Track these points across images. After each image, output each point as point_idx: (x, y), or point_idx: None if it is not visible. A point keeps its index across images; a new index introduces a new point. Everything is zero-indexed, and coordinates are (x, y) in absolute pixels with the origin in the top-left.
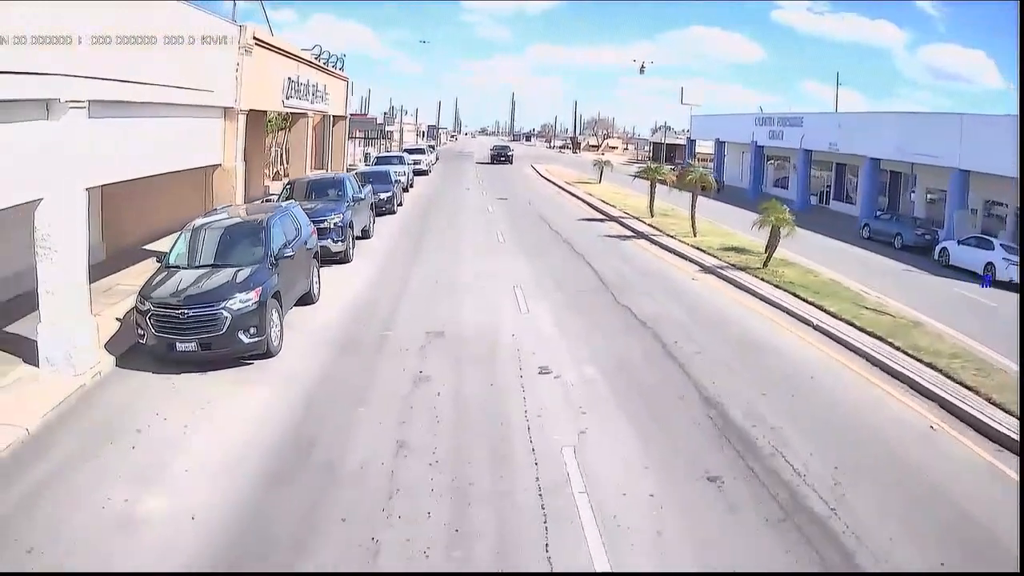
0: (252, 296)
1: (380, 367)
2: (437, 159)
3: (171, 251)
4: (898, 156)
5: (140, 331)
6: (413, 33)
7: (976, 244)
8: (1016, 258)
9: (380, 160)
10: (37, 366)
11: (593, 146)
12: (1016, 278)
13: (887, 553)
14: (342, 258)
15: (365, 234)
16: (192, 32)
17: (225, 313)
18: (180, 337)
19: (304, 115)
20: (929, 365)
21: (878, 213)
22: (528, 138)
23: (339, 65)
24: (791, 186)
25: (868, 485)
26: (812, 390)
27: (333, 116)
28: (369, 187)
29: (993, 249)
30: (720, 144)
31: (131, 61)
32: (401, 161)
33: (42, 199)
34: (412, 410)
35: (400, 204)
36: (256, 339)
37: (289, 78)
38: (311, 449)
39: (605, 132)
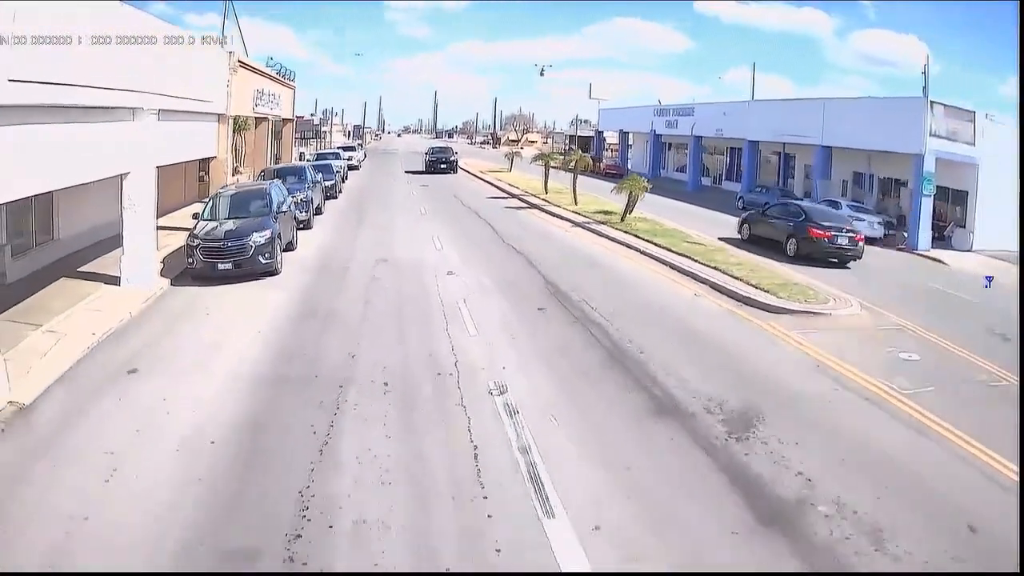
0: (266, 233)
1: (348, 277)
2: (365, 156)
3: (204, 210)
4: (773, 138)
5: (191, 259)
6: (337, 35)
7: (828, 206)
8: (868, 217)
9: (319, 156)
10: (118, 285)
11: (513, 141)
12: (866, 233)
13: (632, 336)
14: (306, 225)
15: (319, 211)
16: (202, 60)
17: (251, 243)
18: (221, 260)
19: (265, 119)
20: (714, 268)
21: (758, 188)
22: (450, 135)
23: (291, 76)
24: (688, 170)
25: (633, 313)
26: (622, 281)
27: (283, 119)
28: (321, 174)
29: (841, 209)
30: (624, 134)
31: (162, 78)
32: (337, 157)
33: (130, 172)
34: (371, 291)
35: (340, 191)
36: (269, 261)
37: (257, 89)
38: (315, 310)
39: (525, 127)
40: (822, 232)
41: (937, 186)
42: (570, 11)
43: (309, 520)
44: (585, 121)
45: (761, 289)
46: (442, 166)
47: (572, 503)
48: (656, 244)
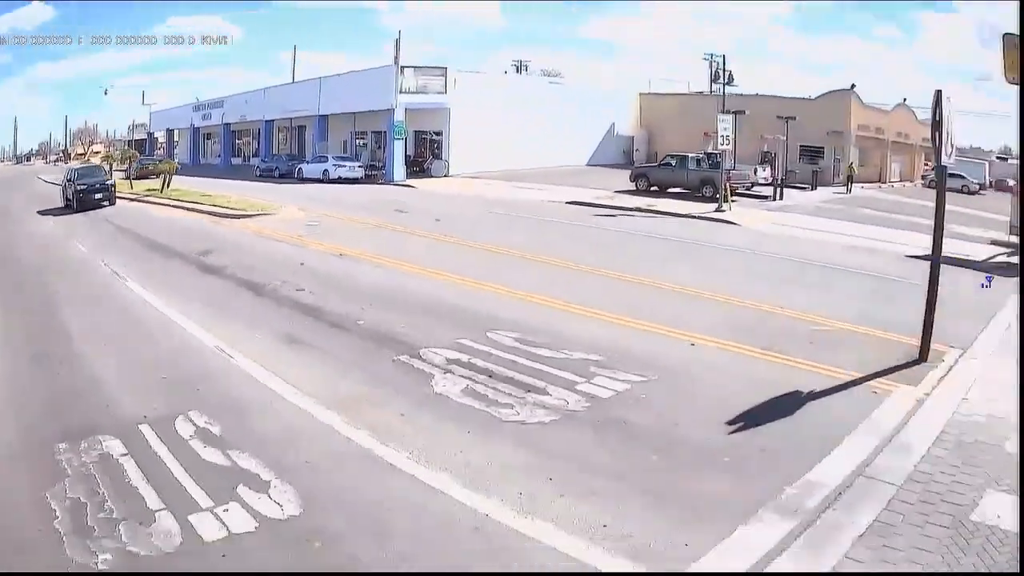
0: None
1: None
2: None
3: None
4: (283, 115)
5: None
6: None
7: (318, 160)
8: (349, 163)
9: None
10: None
11: (80, 154)
12: (343, 175)
13: (164, 239)
14: None
15: None
16: None
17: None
18: (93, 196)
19: None
20: (212, 205)
21: (273, 156)
22: (28, 158)
23: None
24: (221, 152)
25: (168, 232)
26: (159, 218)
27: None
28: None
29: (327, 161)
30: (170, 132)
31: None
32: None
33: None
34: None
35: None
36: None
37: None
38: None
39: (90, 139)
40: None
41: (417, 131)
42: (122, 18)
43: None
44: (141, 125)
45: (237, 209)
46: (97, 197)
47: (135, 279)
48: (182, 203)
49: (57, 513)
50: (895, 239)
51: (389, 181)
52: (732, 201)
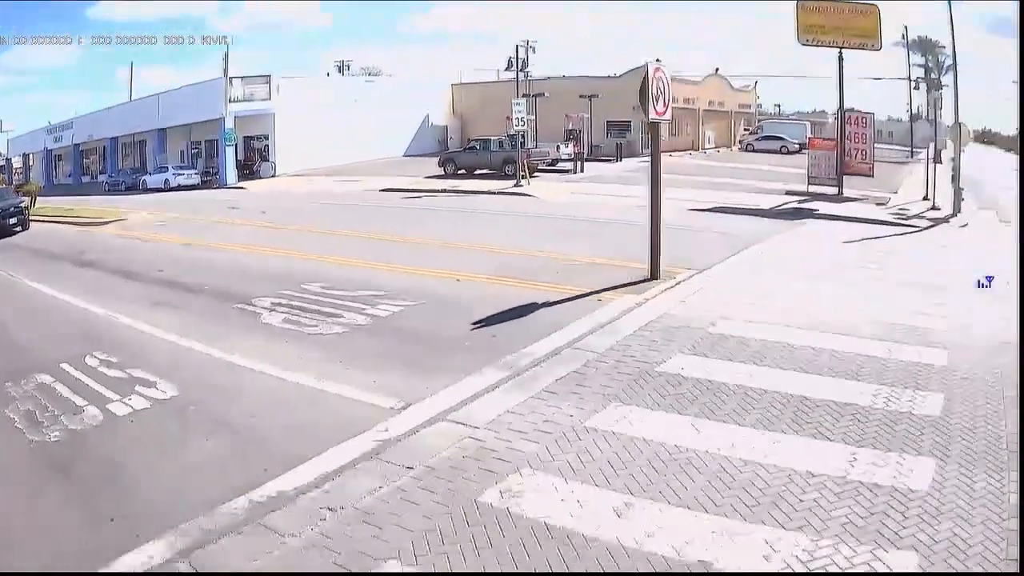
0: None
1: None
2: None
3: None
4: (126, 132)
5: None
6: None
7: (159, 171)
8: (187, 172)
9: None
10: None
11: None
12: (183, 183)
13: (47, 247)
14: None
15: None
16: None
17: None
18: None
19: None
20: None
21: (118, 172)
22: None
23: None
24: (72, 172)
25: (47, 238)
26: (49, 238)
27: None
28: None
29: (168, 171)
30: (26, 156)
31: None
32: None
33: None
34: None
35: None
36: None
37: None
38: None
39: None
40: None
41: (247, 136)
42: None
43: None
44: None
45: (98, 218)
46: (11, 222)
47: (30, 279)
48: (50, 216)
49: (16, 420)
50: (686, 197)
51: (223, 185)
52: (534, 177)
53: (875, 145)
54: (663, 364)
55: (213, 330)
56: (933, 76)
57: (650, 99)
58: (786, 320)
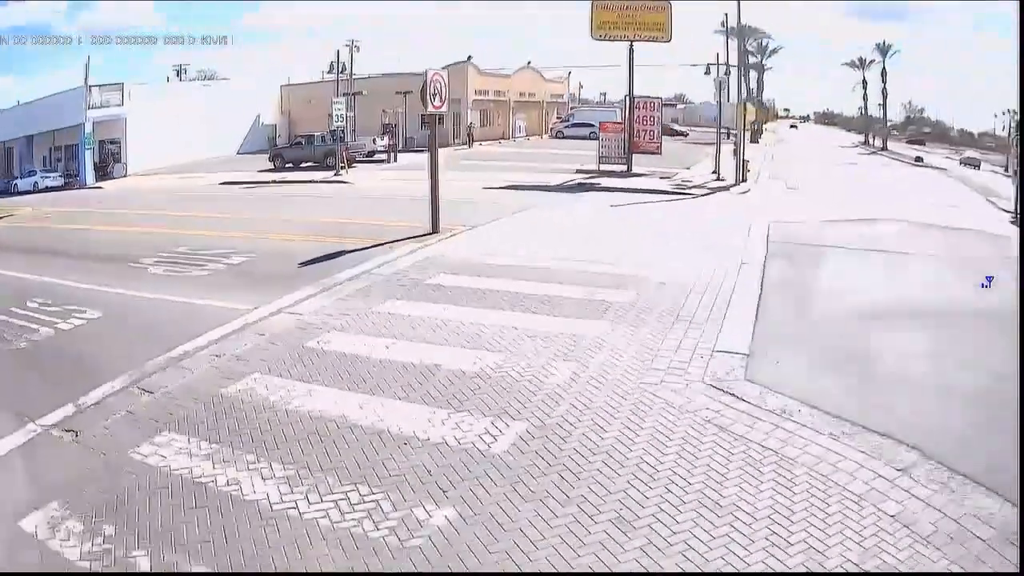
0: None
1: None
2: None
3: None
4: (20, 133)
5: None
6: None
7: (28, 175)
8: (53, 174)
9: None
10: None
11: None
12: (49, 184)
13: None
14: None
15: None
16: None
17: None
18: None
19: None
20: None
21: None
22: None
23: None
24: None
25: None
26: None
27: None
28: None
29: (36, 175)
30: None
31: None
32: None
33: None
34: None
35: None
36: None
37: None
38: None
39: None
40: None
41: (102, 140)
42: None
43: None
44: None
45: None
46: None
47: None
48: None
49: None
50: (484, 178)
51: (83, 185)
52: (352, 168)
53: (694, 128)
54: (428, 280)
55: (117, 280)
56: (756, 59)
57: (428, 96)
58: (526, 256)
